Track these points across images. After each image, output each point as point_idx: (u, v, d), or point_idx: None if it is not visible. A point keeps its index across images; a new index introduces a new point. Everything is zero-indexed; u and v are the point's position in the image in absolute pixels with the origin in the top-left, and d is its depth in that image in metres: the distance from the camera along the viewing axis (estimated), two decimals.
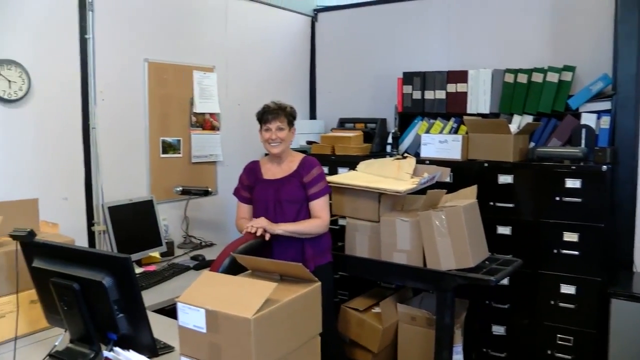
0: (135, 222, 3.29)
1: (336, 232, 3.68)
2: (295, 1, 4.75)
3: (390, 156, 3.68)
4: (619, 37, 3.43)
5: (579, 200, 3.26)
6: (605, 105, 3.54)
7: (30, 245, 1.92)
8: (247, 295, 1.65)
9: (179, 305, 1.67)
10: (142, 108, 3.53)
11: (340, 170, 3.96)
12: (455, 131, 4.00)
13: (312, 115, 5.02)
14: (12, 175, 2.89)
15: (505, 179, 3.48)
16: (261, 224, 2.80)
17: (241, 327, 1.57)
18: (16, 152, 2.90)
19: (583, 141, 3.49)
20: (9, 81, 2.82)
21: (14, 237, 1.92)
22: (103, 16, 3.23)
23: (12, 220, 2.18)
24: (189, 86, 3.83)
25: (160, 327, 2.05)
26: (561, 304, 3.34)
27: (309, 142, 4.43)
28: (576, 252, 3.28)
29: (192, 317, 1.65)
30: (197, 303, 1.65)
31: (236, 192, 3.13)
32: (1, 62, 2.79)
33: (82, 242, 3.14)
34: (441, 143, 3.68)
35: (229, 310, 1.60)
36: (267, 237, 2.80)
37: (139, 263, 3.22)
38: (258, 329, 1.57)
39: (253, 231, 2.77)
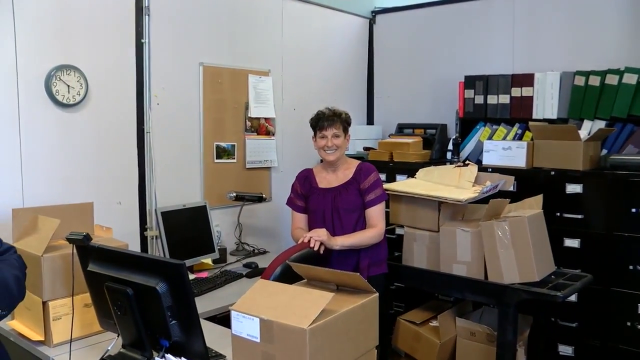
0: (187, 228, 3.36)
1: (393, 242, 3.66)
2: (352, 3, 4.76)
3: (451, 163, 3.64)
4: None
5: None
6: None
7: (86, 249, 1.98)
8: (303, 305, 1.65)
9: (233, 314, 1.69)
10: (197, 112, 3.60)
11: (398, 177, 3.95)
12: (519, 137, 3.92)
13: (370, 121, 5.01)
14: (69, 179, 2.99)
15: (573, 188, 3.38)
16: (321, 237, 2.77)
17: (296, 338, 1.57)
18: (73, 156, 3.01)
19: None
20: (68, 86, 2.93)
21: (70, 240, 1.99)
22: (158, 20, 3.32)
23: (68, 224, 2.27)
24: (244, 90, 3.89)
25: (211, 335, 2.08)
26: (639, 326, 3.21)
27: (366, 148, 4.41)
28: None
29: (246, 326, 1.66)
30: (251, 312, 1.66)
31: (290, 202, 3.14)
32: (61, 67, 2.90)
33: (134, 246, 3.22)
34: (504, 150, 3.62)
35: (284, 320, 1.60)
36: (321, 250, 2.78)
37: (191, 269, 3.28)
38: (314, 339, 1.57)
39: (312, 245, 2.75)
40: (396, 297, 4.01)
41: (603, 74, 3.62)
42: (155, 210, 3.27)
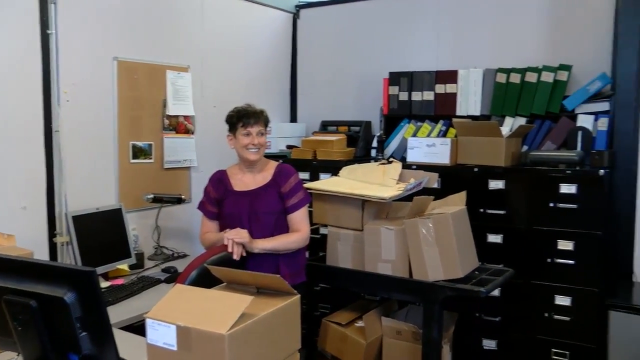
0: (101, 233, 3.25)
1: (317, 242, 3.69)
2: None
3: (375, 161, 3.69)
4: (619, 35, 3.48)
5: (574, 206, 3.29)
6: (603, 106, 3.59)
7: None
8: (221, 310, 1.63)
9: (148, 322, 1.65)
10: (111, 110, 3.50)
11: (322, 176, 3.97)
12: (443, 134, 4.02)
13: (293, 118, 5.02)
14: None
15: (496, 184, 3.50)
16: (243, 238, 2.71)
17: (215, 344, 1.55)
18: None
19: (579, 144, 3.53)
20: None
21: None
22: (67, 10, 3.19)
23: None
24: (162, 87, 3.81)
25: (126, 346, 2.02)
26: (556, 317, 3.37)
27: (289, 147, 4.42)
28: (572, 261, 3.31)
29: (162, 334, 1.63)
30: (167, 319, 1.63)
31: (201, 207, 3.04)
32: None
33: (42, 254, 3.09)
34: (429, 147, 3.70)
35: (202, 326, 1.58)
36: (237, 257, 2.70)
37: (106, 276, 3.18)
38: (233, 345, 1.56)
39: (231, 250, 2.68)
40: (321, 298, 4.04)
41: (523, 71, 3.77)
42: (66, 214, 3.15)
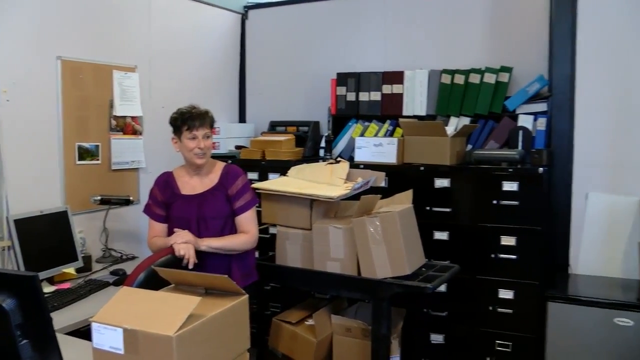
0: (46, 236, 3.16)
1: (267, 241, 3.68)
2: None
3: (323, 160, 3.70)
4: (554, 39, 3.59)
5: (516, 203, 3.38)
6: (542, 106, 3.69)
7: None
8: (168, 312, 1.62)
9: (94, 326, 1.62)
10: (55, 110, 3.40)
11: (270, 176, 3.96)
12: (390, 134, 4.06)
13: (242, 119, 4.99)
14: None
15: (441, 182, 3.56)
16: (187, 238, 2.69)
17: (163, 346, 1.53)
18: None
19: (520, 143, 3.62)
20: None
21: None
22: (7, 7, 3.09)
23: None
24: (109, 87, 3.74)
25: (72, 351, 1.98)
26: (499, 309, 3.44)
27: (238, 147, 4.38)
28: (514, 256, 3.40)
29: (108, 338, 1.60)
30: (113, 322, 1.60)
31: (148, 210, 2.95)
32: None
33: None
34: (376, 146, 3.73)
35: (149, 328, 1.56)
36: (191, 265, 2.64)
37: (51, 281, 3.09)
38: (181, 347, 1.54)
39: (182, 254, 2.63)
40: (272, 297, 4.04)
41: (467, 73, 3.84)
42: (7, 217, 3.04)
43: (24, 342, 1.64)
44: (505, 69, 3.76)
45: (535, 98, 3.71)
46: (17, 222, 3.01)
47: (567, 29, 3.52)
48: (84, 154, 3.58)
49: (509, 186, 3.39)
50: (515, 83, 3.81)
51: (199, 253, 2.72)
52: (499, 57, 3.86)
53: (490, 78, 3.77)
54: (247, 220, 2.90)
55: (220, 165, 2.97)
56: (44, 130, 3.36)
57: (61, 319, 2.55)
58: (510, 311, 3.42)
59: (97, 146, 3.66)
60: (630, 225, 3.48)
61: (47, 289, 2.94)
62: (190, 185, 2.91)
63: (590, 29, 3.53)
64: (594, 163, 3.56)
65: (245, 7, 4.93)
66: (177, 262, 2.63)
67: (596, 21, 3.52)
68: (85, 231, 3.55)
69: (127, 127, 3.87)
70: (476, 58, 3.93)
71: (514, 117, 3.76)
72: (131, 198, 3.71)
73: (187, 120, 2.80)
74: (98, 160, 3.68)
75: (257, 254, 3.26)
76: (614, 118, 3.52)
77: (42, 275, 2.96)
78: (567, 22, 3.52)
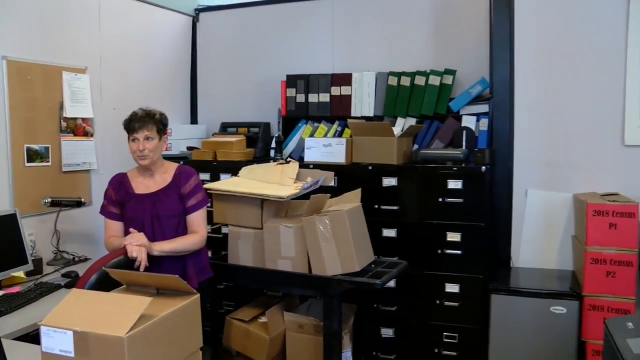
0: None
1: (219, 241, 3.68)
2: (175, 0, 4.67)
3: (274, 161, 3.71)
4: (494, 44, 3.68)
5: (460, 200, 3.45)
6: (484, 108, 3.79)
7: None
8: (120, 312, 1.60)
9: (43, 329, 1.59)
10: (2, 112, 3.31)
11: (222, 176, 3.94)
12: (339, 134, 4.10)
13: (193, 120, 4.95)
14: None
15: (389, 181, 3.60)
16: (141, 241, 2.67)
17: (114, 348, 1.52)
18: None
19: (464, 143, 3.70)
20: None
21: None
22: None
23: None
24: (58, 88, 3.66)
25: (22, 357, 1.95)
26: (446, 303, 3.51)
27: (190, 148, 4.35)
28: (459, 252, 3.47)
29: (58, 341, 1.58)
30: (63, 325, 1.58)
31: (103, 210, 2.94)
32: None
33: None
34: (325, 147, 3.76)
35: (100, 330, 1.55)
36: (142, 268, 2.63)
37: None
38: (133, 347, 1.53)
39: (134, 256, 2.62)
40: (225, 296, 4.02)
41: (413, 75, 3.91)
42: None
43: None
44: (449, 72, 3.84)
45: (477, 99, 3.80)
46: None
47: (505, 35, 3.63)
48: (33, 155, 3.50)
49: (454, 184, 3.46)
50: (458, 85, 3.90)
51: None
52: (443, 61, 3.94)
53: (435, 80, 3.84)
54: (198, 220, 2.91)
55: (173, 166, 2.98)
56: None
57: (10, 323, 2.49)
58: (456, 304, 3.49)
59: (46, 148, 3.58)
60: (565, 219, 3.61)
61: None
62: (144, 185, 2.91)
63: (526, 35, 3.65)
64: (532, 161, 3.68)
65: (196, 9, 4.89)
66: (129, 263, 2.61)
67: (531, 27, 3.64)
68: (36, 234, 3.47)
69: (78, 128, 3.79)
70: (421, 61, 4.00)
71: (458, 118, 3.84)
72: (83, 200, 3.65)
73: (129, 124, 2.84)
74: (48, 162, 3.60)
75: (210, 253, 3.26)
76: (549, 118, 3.64)
77: None
78: (505, 28, 3.62)
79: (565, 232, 3.62)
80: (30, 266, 3.21)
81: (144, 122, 2.81)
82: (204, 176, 3.92)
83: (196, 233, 2.89)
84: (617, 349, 1.70)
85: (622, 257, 3.13)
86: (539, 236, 3.69)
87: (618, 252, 3.14)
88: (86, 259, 3.62)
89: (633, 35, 3.42)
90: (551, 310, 3.18)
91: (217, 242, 3.77)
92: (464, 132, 3.71)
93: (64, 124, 3.69)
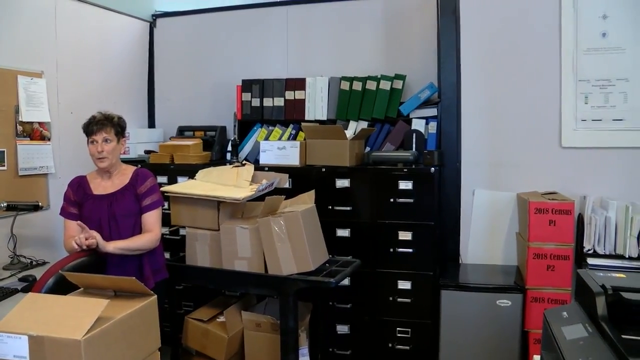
0: None
1: (177, 242, 3.67)
2: (132, 5, 4.61)
3: (230, 164, 3.71)
4: (441, 50, 3.75)
5: (411, 200, 3.50)
6: (432, 111, 3.85)
7: None
8: (76, 315, 1.60)
9: None
10: None
11: (179, 179, 3.90)
12: (293, 138, 4.12)
13: (151, 124, 4.89)
14: None
15: (342, 183, 3.64)
16: (92, 237, 2.65)
17: (71, 351, 1.52)
18: None
19: (414, 145, 3.74)
20: None
21: None
22: None
23: None
24: (13, 92, 3.57)
25: None
26: (399, 299, 3.56)
27: (147, 152, 4.31)
28: (410, 250, 3.52)
29: (12, 347, 1.55)
30: (17, 329, 1.56)
31: (63, 211, 2.94)
32: None
33: None
34: (280, 150, 3.77)
35: (56, 333, 1.54)
36: (97, 243, 2.64)
37: None
38: (90, 350, 1.53)
39: (84, 243, 2.60)
40: (184, 296, 4.00)
41: (364, 80, 3.95)
42: None
43: None
44: (399, 77, 3.90)
45: (426, 103, 3.86)
46: None
47: (452, 41, 3.71)
48: None
49: (405, 185, 3.51)
50: (408, 89, 3.96)
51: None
52: (393, 66, 4.00)
53: (385, 85, 3.89)
54: (152, 220, 2.91)
55: (131, 169, 2.99)
56: None
57: None
58: (408, 300, 3.54)
59: (2, 152, 3.50)
60: (509, 217, 3.73)
61: None
62: (102, 186, 2.92)
63: (470, 41, 3.76)
64: (479, 162, 3.78)
65: (153, 15, 4.84)
66: (87, 266, 2.58)
67: (476, 34, 3.75)
68: None
69: (35, 132, 3.72)
70: (372, 66, 4.06)
71: (408, 121, 3.89)
72: (40, 204, 3.56)
73: (87, 127, 2.86)
74: (4, 166, 3.51)
75: (168, 255, 3.24)
76: (493, 121, 3.76)
77: None
78: (451, 35, 3.70)
79: (509, 229, 3.74)
80: None
81: (103, 125, 2.83)
82: (162, 179, 3.89)
83: (150, 232, 2.89)
84: (554, 336, 1.77)
85: (560, 252, 3.27)
86: (485, 234, 3.80)
87: (557, 247, 3.27)
88: (44, 263, 3.55)
89: (565, 45, 3.59)
90: (497, 303, 3.28)
91: (175, 243, 3.75)
92: (414, 135, 3.77)
93: (20, 128, 3.61)
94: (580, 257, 3.31)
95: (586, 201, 3.40)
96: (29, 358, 1.54)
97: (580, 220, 3.37)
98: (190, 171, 3.74)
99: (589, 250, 3.30)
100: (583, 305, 1.87)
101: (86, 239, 2.63)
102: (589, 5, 3.52)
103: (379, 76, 3.93)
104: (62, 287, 2.16)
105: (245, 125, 4.30)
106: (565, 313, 1.89)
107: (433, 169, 3.49)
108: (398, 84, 3.90)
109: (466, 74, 3.76)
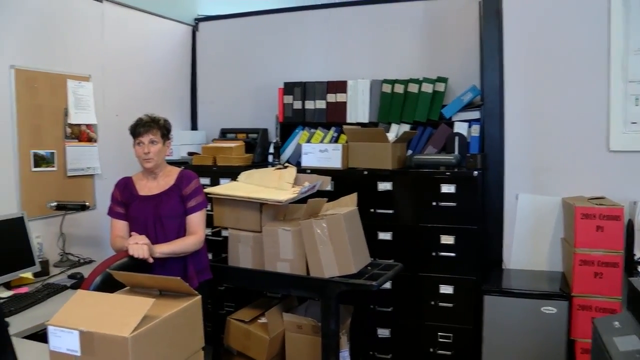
0: (3, 242, 3.08)
1: (219, 244, 3.69)
2: (175, 10, 4.69)
3: (272, 166, 3.72)
4: (484, 52, 3.70)
5: (453, 204, 3.46)
6: (475, 114, 3.81)
7: None
8: (123, 313, 1.62)
9: (50, 329, 1.61)
10: (9, 119, 3.32)
11: (222, 181, 3.95)
12: (335, 140, 4.11)
13: (194, 126, 4.96)
14: None
15: (384, 186, 3.62)
16: (145, 241, 2.68)
17: (118, 347, 1.54)
18: None
19: (456, 148, 3.71)
20: None
21: None
22: None
23: None
24: (63, 96, 3.67)
25: (30, 355, 1.96)
26: (441, 304, 3.52)
27: (190, 153, 4.37)
28: (453, 254, 3.48)
29: (65, 341, 1.59)
30: (70, 325, 1.59)
31: (110, 211, 2.98)
32: None
33: None
34: (321, 152, 3.77)
35: (104, 330, 1.56)
36: (150, 260, 2.67)
37: (8, 285, 3.02)
38: (136, 347, 1.55)
39: (138, 254, 2.62)
40: (226, 297, 4.03)
41: (406, 82, 3.93)
42: None
43: None
44: (442, 80, 3.86)
45: (469, 106, 3.82)
46: None
47: (494, 43, 3.64)
48: (40, 161, 3.51)
49: (447, 188, 3.48)
50: (450, 92, 3.92)
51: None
52: (435, 68, 3.96)
53: (427, 88, 3.86)
54: (196, 221, 2.93)
55: (176, 170, 3.02)
56: None
57: (19, 323, 2.50)
58: (450, 305, 3.50)
59: (52, 153, 3.59)
60: (554, 222, 3.63)
61: (4, 293, 2.88)
62: (148, 187, 2.95)
63: (514, 43, 3.67)
64: (522, 166, 3.70)
65: (195, 19, 4.92)
66: (132, 265, 2.61)
67: (520, 36, 3.67)
68: (43, 236, 3.48)
69: (82, 134, 3.81)
70: (414, 69, 4.03)
71: (450, 124, 3.86)
72: (87, 203, 3.65)
73: (134, 129, 2.91)
74: (54, 167, 3.61)
75: (210, 256, 3.26)
76: (538, 125, 3.66)
77: None
78: (494, 37, 3.64)
79: (554, 235, 3.64)
80: (37, 268, 3.23)
81: (149, 127, 2.88)
82: (204, 181, 3.93)
83: (194, 234, 2.91)
84: (605, 347, 1.71)
85: (609, 259, 3.16)
86: (529, 238, 3.71)
87: (605, 253, 3.16)
88: (90, 261, 3.63)
89: (615, 45, 3.46)
90: (542, 310, 3.20)
91: (217, 244, 3.78)
92: (457, 138, 3.73)
93: (68, 130, 3.70)
94: (630, 265, 3.19)
95: (636, 207, 3.29)
96: (80, 352, 1.57)
97: (630, 226, 3.26)
98: (232, 173, 3.77)
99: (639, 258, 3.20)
100: (637, 315, 1.80)
101: (139, 250, 2.64)
102: None
103: (420, 79, 3.90)
104: (108, 285, 2.19)
105: (287, 128, 4.32)
106: (617, 323, 1.83)
107: (476, 172, 3.44)
108: (440, 87, 3.86)
109: (509, 75, 3.68)
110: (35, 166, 3.49)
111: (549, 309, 3.19)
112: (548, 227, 3.65)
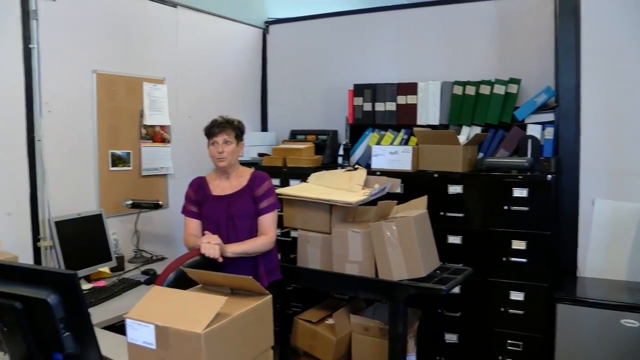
0: (83, 237, 3.22)
1: (288, 244, 3.71)
2: (246, 13, 4.76)
3: (342, 168, 3.72)
4: (560, 52, 3.57)
5: (526, 209, 3.36)
6: (549, 116, 3.67)
7: None
8: (197, 310, 1.64)
9: (128, 322, 1.66)
10: (91, 120, 3.46)
11: (291, 182, 3.98)
12: (405, 142, 4.06)
13: (264, 127, 5.02)
14: None
15: (455, 189, 3.55)
16: (217, 241, 2.74)
17: (192, 343, 1.56)
18: None
19: (529, 151, 3.60)
20: None
21: None
22: (48, 25, 3.15)
23: None
24: (139, 98, 3.79)
25: (109, 344, 2.01)
26: (511, 311, 3.43)
27: (261, 154, 4.42)
28: (524, 260, 3.38)
29: (141, 334, 1.63)
30: (146, 319, 1.63)
31: (184, 210, 3.05)
32: None
33: (27, 258, 3.05)
34: (392, 154, 3.74)
35: (179, 325, 1.59)
36: (220, 259, 2.72)
37: (88, 279, 3.15)
38: (209, 343, 1.57)
39: (209, 254, 2.68)
40: (293, 297, 4.05)
41: (477, 84, 3.84)
42: (49, 220, 3.10)
43: (66, 335, 1.68)
44: (514, 81, 3.75)
45: (542, 108, 3.70)
46: (57, 224, 3.09)
47: (571, 42, 3.50)
48: (117, 160, 3.63)
49: (519, 192, 3.38)
50: (523, 94, 3.80)
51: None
52: (507, 70, 3.85)
53: (499, 89, 3.76)
54: (268, 222, 2.95)
55: (249, 171, 3.06)
56: (81, 138, 3.42)
57: (97, 314, 2.58)
58: (521, 312, 3.40)
59: (128, 153, 3.72)
60: (634, 230, 3.43)
61: (84, 286, 3.00)
62: (221, 187, 3.00)
63: (592, 42, 3.49)
64: (599, 170, 3.51)
65: (266, 22, 4.97)
66: (205, 263, 2.66)
67: (598, 35, 3.49)
68: (118, 233, 3.60)
69: (157, 135, 3.91)
70: (486, 70, 3.93)
71: (523, 127, 3.75)
72: (160, 202, 3.75)
73: (209, 129, 2.96)
74: (129, 166, 3.73)
75: (279, 256, 3.29)
76: (617, 127, 3.47)
77: (80, 273, 3.01)
78: (571, 36, 3.50)
79: (634, 243, 3.44)
80: (114, 263, 3.35)
81: (224, 127, 2.93)
82: (274, 182, 3.94)
83: (265, 235, 2.93)
84: None
85: None
86: (606, 246, 3.53)
87: None
88: (163, 258, 3.73)
89: None
90: (622, 322, 3.02)
91: (286, 245, 3.81)
92: (529, 141, 3.62)
93: (143, 131, 3.82)
94: None
95: None
96: (155, 345, 1.60)
97: None
98: (302, 174, 3.79)
99: None
100: None
101: (211, 249, 2.70)
102: None
103: (492, 80, 3.80)
104: (181, 281, 2.24)
105: (357, 130, 4.30)
106: None
107: (549, 176, 3.33)
108: (512, 88, 3.75)
109: (587, 76, 3.51)
110: (113, 166, 3.61)
111: (630, 322, 3.00)
112: (627, 234, 3.45)
